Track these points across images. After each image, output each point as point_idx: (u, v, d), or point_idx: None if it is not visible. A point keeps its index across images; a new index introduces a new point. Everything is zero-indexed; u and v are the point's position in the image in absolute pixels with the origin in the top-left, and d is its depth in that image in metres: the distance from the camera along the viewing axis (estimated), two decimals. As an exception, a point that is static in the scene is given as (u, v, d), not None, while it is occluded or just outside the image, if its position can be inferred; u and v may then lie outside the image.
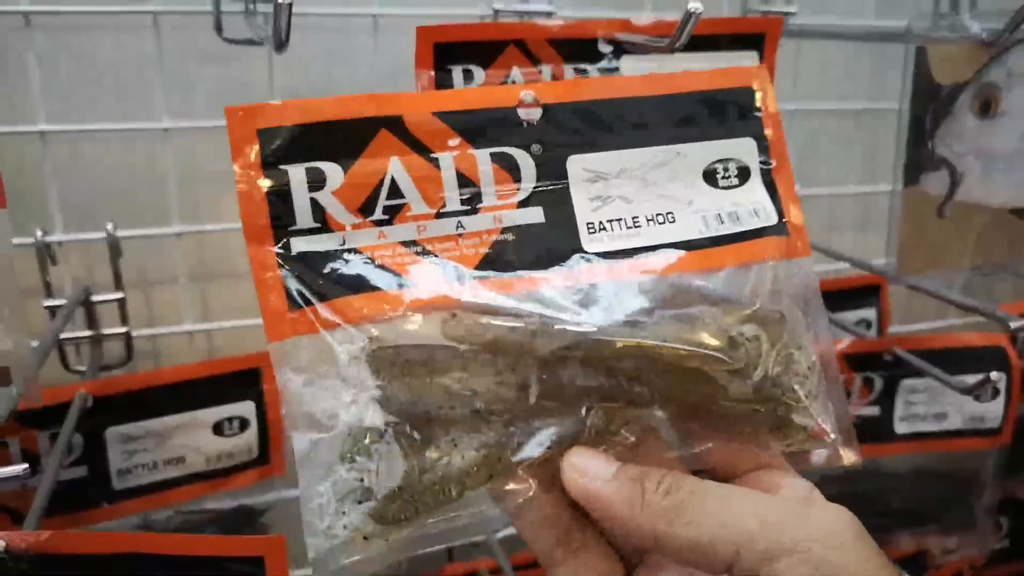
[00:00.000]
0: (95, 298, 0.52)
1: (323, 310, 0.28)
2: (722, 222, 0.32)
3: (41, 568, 0.34)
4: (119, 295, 0.52)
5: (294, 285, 0.28)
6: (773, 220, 0.33)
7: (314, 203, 0.28)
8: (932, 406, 0.60)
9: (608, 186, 0.31)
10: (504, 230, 0.30)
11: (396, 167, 0.29)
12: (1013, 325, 0.45)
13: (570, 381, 0.28)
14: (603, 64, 0.46)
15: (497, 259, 0.29)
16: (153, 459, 0.51)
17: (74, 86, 0.53)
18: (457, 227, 0.29)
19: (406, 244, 0.29)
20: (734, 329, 0.29)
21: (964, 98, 0.46)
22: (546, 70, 0.45)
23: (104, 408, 0.49)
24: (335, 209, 0.28)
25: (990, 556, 0.71)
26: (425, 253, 0.29)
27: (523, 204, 0.30)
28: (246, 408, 0.53)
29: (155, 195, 0.55)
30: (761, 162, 0.33)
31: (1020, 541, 0.73)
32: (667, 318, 0.29)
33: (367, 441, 0.27)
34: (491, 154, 0.30)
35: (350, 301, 0.28)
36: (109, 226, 0.51)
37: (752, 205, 0.33)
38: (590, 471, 0.27)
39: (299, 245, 0.28)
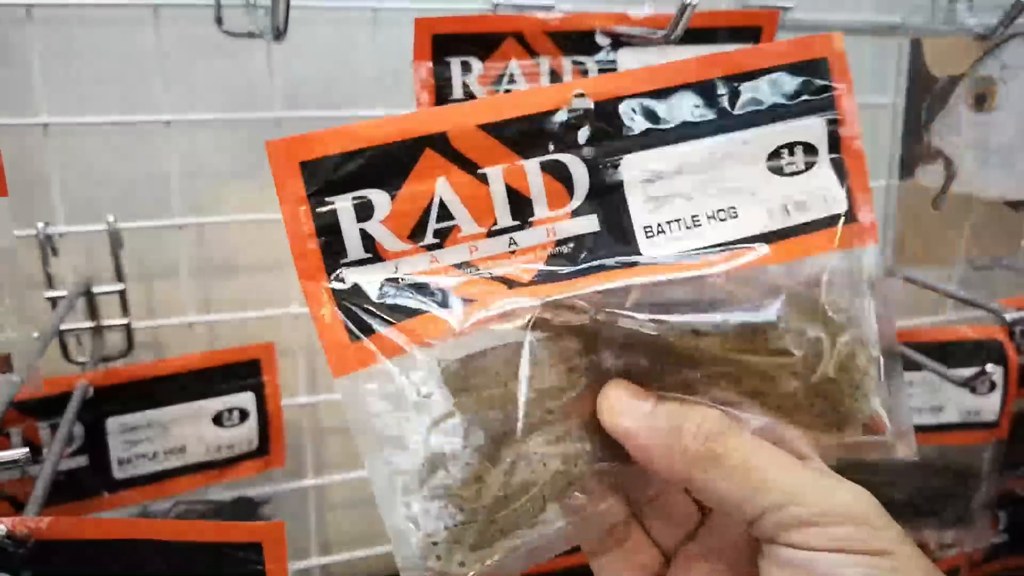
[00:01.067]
0: (96, 289, 0.52)
1: (384, 338, 0.27)
2: (788, 213, 0.30)
3: (42, 554, 0.35)
4: (120, 287, 0.52)
5: (352, 317, 0.27)
6: (842, 207, 0.31)
7: (363, 233, 0.27)
8: (929, 399, 0.61)
9: (666, 185, 0.29)
10: (559, 243, 0.29)
11: (443, 188, 0.28)
12: (1009, 318, 0.45)
13: (634, 370, 0.28)
14: (601, 56, 0.46)
15: (552, 274, 0.28)
16: (154, 449, 0.51)
17: (76, 78, 0.54)
18: (510, 244, 0.28)
19: (459, 266, 0.28)
20: (796, 327, 0.28)
21: (959, 91, 0.46)
22: (544, 62, 0.45)
23: (105, 398, 0.49)
24: (385, 238, 0.28)
25: (988, 551, 0.71)
26: (478, 273, 0.28)
27: (577, 213, 0.29)
28: (246, 399, 0.53)
29: (156, 187, 0.55)
30: (830, 144, 0.31)
31: (1018, 536, 0.73)
32: (730, 321, 0.28)
33: (447, 466, 0.27)
34: (541, 163, 0.28)
35: (409, 326, 0.27)
36: (110, 218, 0.51)
37: (820, 191, 0.31)
38: (627, 407, 0.27)
39: (352, 277, 0.27)
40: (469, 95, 0.44)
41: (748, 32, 0.49)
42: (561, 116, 0.29)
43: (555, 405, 0.28)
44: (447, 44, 0.43)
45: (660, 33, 0.39)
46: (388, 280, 0.28)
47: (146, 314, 0.59)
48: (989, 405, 0.61)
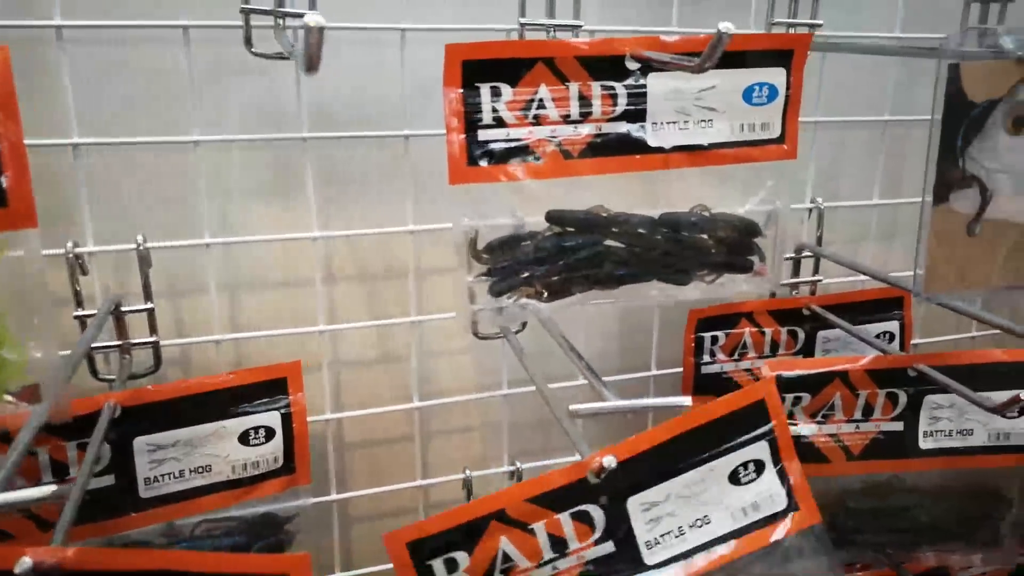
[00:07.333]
0: (124, 308, 0.52)
1: None
2: (746, 514, 0.43)
3: (69, 583, 0.35)
4: (149, 305, 0.53)
5: None
6: (784, 503, 0.44)
7: None
8: (957, 422, 0.60)
9: (660, 509, 0.41)
10: (586, 563, 0.40)
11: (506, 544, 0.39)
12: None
13: None
14: (630, 81, 0.46)
15: None
16: (180, 468, 0.51)
17: (105, 99, 0.54)
18: (553, 570, 0.40)
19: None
20: None
21: (997, 115, 0.45)
22: (573, 87, 0.45)
23: (132, 417, 0.49)
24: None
25: (1015, 572, 0.70)
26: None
27: (598, 542, 0.40)
28: (271, 418, 0.53)
29: (185, 207, 0.56)
30: (772, 459, 0.44)
31: (1046, 557, 0.72)
32: None
33: None
34: (571, 514, 0.40)
35: None
36: (139, 237, 0.52)
37: (768, 494, 0.43)
38: None
39: None
40: (498, 120, 0.44)
41: (780, 55, 0.48)
42: (585, 482, 0.39)
43: None
44: (477, 70, 0.43)
45: (694, 61, 0.38)
46: None
47: (173, 331, 0.59)
48: (1018, 428, 0.60)
